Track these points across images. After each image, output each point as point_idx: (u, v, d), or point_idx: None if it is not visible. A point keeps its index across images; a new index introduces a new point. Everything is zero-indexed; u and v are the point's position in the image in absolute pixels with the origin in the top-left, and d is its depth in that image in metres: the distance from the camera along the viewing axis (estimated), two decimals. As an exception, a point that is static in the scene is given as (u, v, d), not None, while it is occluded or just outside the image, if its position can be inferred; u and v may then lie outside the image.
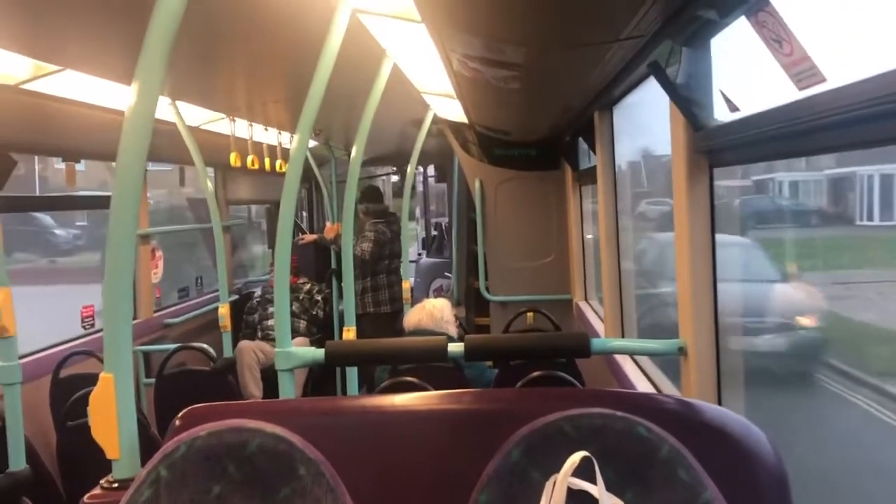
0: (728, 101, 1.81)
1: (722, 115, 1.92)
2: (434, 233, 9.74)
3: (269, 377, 5.56)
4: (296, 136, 2.39)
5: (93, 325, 4.70)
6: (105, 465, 1.67)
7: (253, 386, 5.47)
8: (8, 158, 3.67)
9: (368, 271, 6.00)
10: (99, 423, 1.61)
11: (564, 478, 1.25)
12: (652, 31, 1.89)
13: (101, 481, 1.63)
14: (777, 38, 1.28)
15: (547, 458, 1.29)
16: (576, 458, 1.25)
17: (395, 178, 10.57)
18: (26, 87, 2.95)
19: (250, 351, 5.57)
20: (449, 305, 3.85)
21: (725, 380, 2.05)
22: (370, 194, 6.29)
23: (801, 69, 1.24)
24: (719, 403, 1.99)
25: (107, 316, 1.63)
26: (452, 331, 3.74)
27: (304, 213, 8.97)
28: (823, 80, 1.21)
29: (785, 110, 1.41)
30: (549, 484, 1.27)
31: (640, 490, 1.26)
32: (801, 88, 1.29)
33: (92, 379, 1.66)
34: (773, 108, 1.48)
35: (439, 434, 1.58)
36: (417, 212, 11.42)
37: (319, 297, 6.32)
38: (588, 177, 4.19)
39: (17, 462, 2.54)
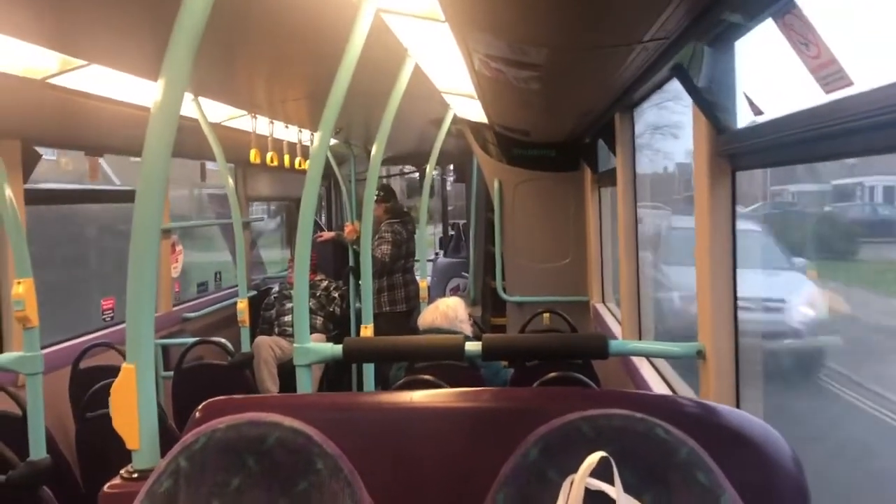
0: (752, 104, 1.80)
1: (745, 118, 1.92)
2: (451, 233, 9.74)
3: (285, 373, 5.59)
4: (317, 134, 2.40)
5: (112, 318, 4.75)
6: (124, 456, 1.68)
7: (269, 381, 5.50)
8: (33, 152, 3.71)
9: (385, 271, 6.03)
10: (120, 414, 1.62)
11: (582, 478, 1.25)
12: (676, 34, 1.88)
13: (121, 471, 1.64)
14: (804, 40, 1.28)
15: (564, 457, 1.29)
16: (594, 458, 1.25)
17: (410, 177, 10.61)
18: (52, 81, 2.98)
19: (267, 346, 5.60)
20: (462, 304, 3.85)
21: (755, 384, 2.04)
22: (385, 193, 6.31)
23: (828, 72, 1.24)
24: (738, 408, 1.98)
25: (130, 308, 1.65)
26: (467, 330, 3.74)
27: (323, 211, 9.01)
28: (851, 83, 1.21)
29: (811, 114, 1.40)
30: (566, 484, 1.26)
31: (658, 492, 1.25)
32: (828, 92, 1.28)
33: (111, 371, 1.68)
34: (799, 111, 1.47)
35: (456, 431, 1.59)
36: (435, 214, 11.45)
37: (336, 294, 6.35)
38: (607, 179, 4.18)
39: (38, 451, 2.57)
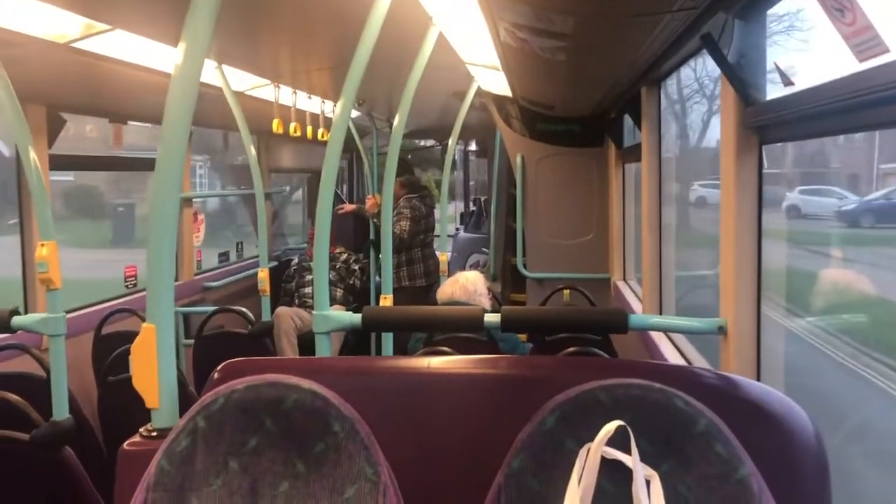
0: (783, 74, 1.76)
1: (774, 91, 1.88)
2: (472, 208, 9.72)
3: (305, 343, 5.64)
4: (339, 104, 2.38)
5: (135, 285, 4.80)
6: (143, 419, 1.70)
7: (289, 351, 5.55)
8: (57, 117, 3.74)
9: (404, 246, 6.04)
10: (140, 373, 1.64)
11: (598, 446, 1.24)
12: (705, 2, 1.84)
13: (141, 430, 1.66)
14: (839, 6, 1.24)
15: (581, 426, 1.28)
16: (611, 427, 1.24)
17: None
18: (76, 45, 2.99)
19: (288, 317, 5.65)
20: (482, 278, 3.84)
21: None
22: (403, 167, 6.29)
23: (863, 39, 1.20)
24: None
25: (150, 270, 1.65)
26: (486, 304, 3.73)
27: (345, 184, 9.01)
28: (887, 50, 1.17)
29: (841, 84, 1.37)
30: (582, 452, 1.26)
31: (675, 463, 1.24)
32: (861, 60, 1.24)
33: (133, 336, 1.69)
34: (829, 81, 1.44)
35: (474, 398, 1.58)
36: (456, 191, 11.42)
37: (356, 267, 6.37)
38: (632, 154, 4.13)
39: (61, 412, 2.61)
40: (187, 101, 1.62)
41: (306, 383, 1.35)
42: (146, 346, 1.63)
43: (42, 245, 2.54)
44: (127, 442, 1.63)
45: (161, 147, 1.63)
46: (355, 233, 7.12)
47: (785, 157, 3.71)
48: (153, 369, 1.63)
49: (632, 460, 1.23)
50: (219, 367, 1.64)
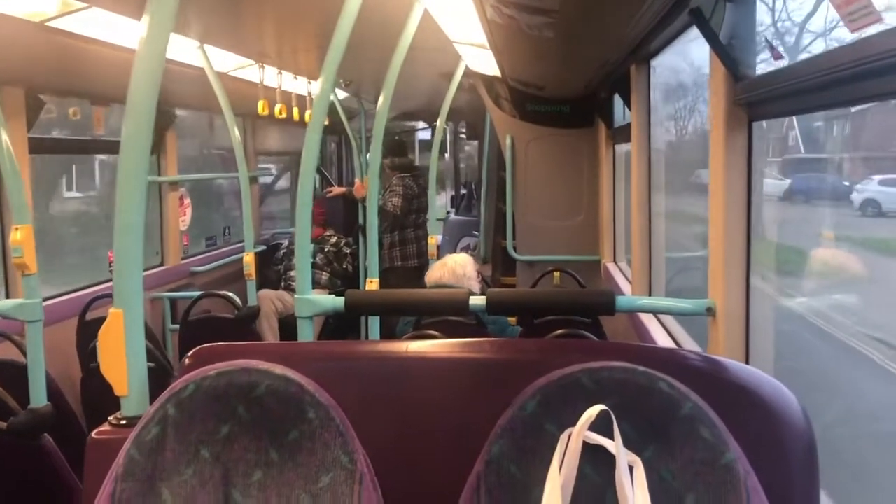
0: (773, 48, 1.71)
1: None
2: (463, 191, 9.67)
3: (285, 327, 5.61)
4: (320, 80, 2.33)
5: None
6: None
7: (269, 334, 5.52)
8: (36, 99, 3.66)
9: (397, 226, 5.99)
10: (108, 359, 1.59)
11: (580, 432, 1.20)
12: None
13: (110, 418, 1.62)
14: (830, -27, 1.19)
15: (563, 411, 1.24)
16: (593, 411, 1.20)
17: (423, 135, 10.51)
18: (53, 24, 2.91)
19: (269, 300, 5.61)
20: (471, 261, 3.79)
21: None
22: (395, 148, 6.24)
23: (855, 7, 1.15)
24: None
25: (117, 254, 1.61)
26: (476, 287, 3.69)
27: (334, 167, 8.95)
28: (880, 19, 1.12)
29: (833, 56, 1.32)
30: (563, 437, 1.22)
31: (659, 447, 1.21)
32: (853, 30, 1.20)
33: None
34: (819, 54, 1.39)
35: (456, 383, 1.54)
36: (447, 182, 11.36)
37: (347, 251, 6.33)
38: (622, 135, 4.08)
39: (38, 399, 2.56)
40: (153, 77, 1.57)
41: (279, 369, 1.31)
42: (114, 332, 1.58)
43: (16, 229, 2.48)
44: (95, 431, 1.58)
45: (126, 126, 1.58)
46: (345, 216, 7.07)
47: (841, 138, 2.96)
48: (121, 356, 1.58)
49: (615, 445, 1.19)
50: (189, 353, 1.60)
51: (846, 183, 3.04)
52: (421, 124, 10.35)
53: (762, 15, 1.93)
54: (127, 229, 1.59)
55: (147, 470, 1.26)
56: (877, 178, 3.04)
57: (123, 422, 1.60)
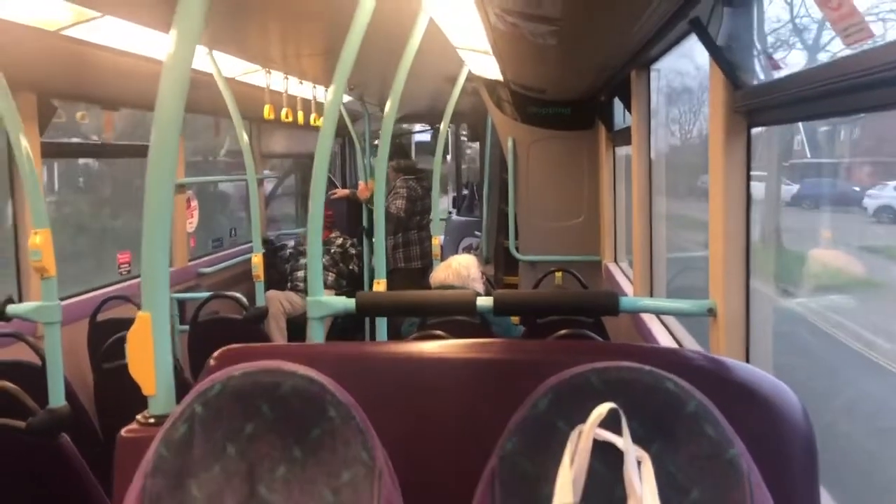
0: (771, 58, 1.77)
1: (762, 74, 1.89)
2: (465, 192, 9.72)
3: (294, 327, 5.66)
4: (331, 89, 2.39)
5: (129, 272, 4.80)
6: (139, 406, 1.71)
7: (277, 335, 5.58)
8: (49, 105, 3.73)
9: (401, 228, 6.04)
10: (136, 361, 1.65)
11: (590, 429, 1.26)
12: None
13: (138, 416, 1.67)
14: (825, -9, 1.25)
15: (573, 409, 1.30)
16: (602, 409, 1.26)
17: (420, 137, 10.53)
18: (67, 33, 2.98)
19: (277, 301, 5.67)
20: (476, 262, 3.83)
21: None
22: (398, 151, 6.29)
23: (849, 23, 1.21)
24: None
25: (145, 258, 1.66)
26: (479, 288, 3.74)
27: (337, 169, 9.00)
28: (872, 35, 1.18)
29: (830, 67, 1.38)
30: (574, 434, 1.28)
31: (665, 443, 1.26)
32: (848, 44, 1.26)
33: (128, 323, 1.70)
34: (818, 65, 1.45)
35: (467, 382, 1.60)
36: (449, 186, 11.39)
37: (353, 252, 6.38)
38: (622, 137, 4.14)
39: (57, 399, 2.62)
40: (180, 87, 1.63)
41: (302, 369, 1.36)
42: (142, 334, 1.64)
43: (35, 233, 2.54)
44: (125, 429, 1.64)
45: (154, 134, 1.64)
46: (349, 218, 7.13)
47: (849, 142, 2.83)
48: (149, 357, 1.64)
49: (623, 442, 1.25)
50: (215, 354, 1.66)
51: (856, 188, 3.00)
52: (417, 126, 10.38)
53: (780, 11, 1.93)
54: (154, 234, 1.65)
55: (176, 466, 1.31)
56: (892, 183, 3.02)
57: (151, 420, 1.65)
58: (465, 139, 10.79)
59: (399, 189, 5.98)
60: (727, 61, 1.94)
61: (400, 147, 6.43)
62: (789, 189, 3.20)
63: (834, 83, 1.36)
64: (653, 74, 3.35)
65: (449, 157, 11.02)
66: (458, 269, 3.70)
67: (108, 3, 2.79)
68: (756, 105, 1.85)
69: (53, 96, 3.74)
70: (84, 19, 2.89)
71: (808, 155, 3.17)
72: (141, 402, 1.70)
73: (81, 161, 5.92)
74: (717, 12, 1.96)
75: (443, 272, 3.74)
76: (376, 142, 6.46)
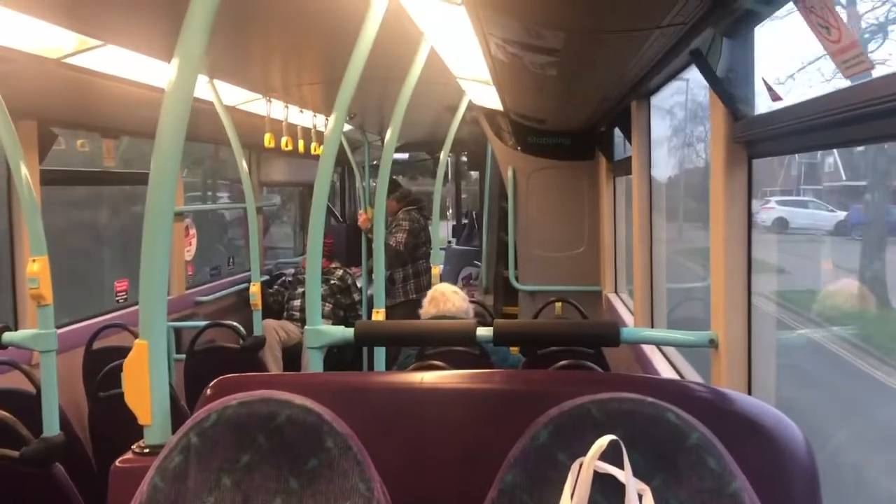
0: (770, 89, 1.78)
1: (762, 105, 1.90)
2: (464, 221, 9.73)
3: (289, 357, 5.63)
4: (331, 118, 2.39)
5: (126, 300, 4.78)
6: (135, 436, 1.69)
7: (273, 364, 5.53)
8: (49, 132, 3.74)
9: (409, 259, 6.00)
10: (132, 389, 1.63)
11: (591, 461, 1.24)
12: (694, 19, 1.86)
13: (133, 446, 1.65)
14: (825, 24, 1.26)
15: (574, 440, 1.28)
16: (603, 441, 1.24)
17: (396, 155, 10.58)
18: (68, 61, 2.99)
19: (272, 329, 5.63)
20: (461, 293, 3.61)
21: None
22: (394, 185, 6.27)
23: (848, 56, 1.22)
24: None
25: (143, 288, 1.65)
26: (469, 313, 3.59)
27: (337, 198, 9.02)
28: (871, 67, 1.19)
29: (830, 99, 1.39)
30: (574, 467, 1.26)
31: (667, 477, 1.25)
32: (848, 76, 1.26)
33: (124, 351, 1.70)
34: (817, 97, 1.45)
35: (467, 413, 1.58)
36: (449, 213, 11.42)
37: (351, 282, 6.35)
38: (622, 168, 4.15)
39: (52, 428, 2.59)
40: (181, 116, 1.63)
41: (299, 399, 1.35)
42: (138, 362, 1.62)
43: (34, 261, 2.53)
44: (119, 459, 1.62)
45: (154, 162, 1.64)
46: (348, 247, 7.12)
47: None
48: (145, 386, 1.63)
49: (624, 475, 1.23)
50: (211, 384, 1.64)
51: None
52: (398, 156, 10.44)
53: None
54: (153, 264, 1.64)
55: (170, 497, 1.29)
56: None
57: (146, 450, 1.63)
58: (465, 166, 10.83)
59: (402, 221, 5.94)
60: (727, 93, 1.95)
61: (394, 183, 6.42)
62: (831, 216, 2.96)
63: (833, 115, 1.36)
64: (679, 86, 3.32)
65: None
66: (452, 298, 3.51)
67: (111, 32, 2.81)
68: (756, 136, 1.85)
69: (54, 124, 3.75)
70: (86, 48, 2.91)
71: (843, 177, 2.93)
72: (136, 431, 1.68)
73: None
74: (717, 44, 1.97)
75: (432, 308, 3.46)
76: (375, 161, 6.45)
